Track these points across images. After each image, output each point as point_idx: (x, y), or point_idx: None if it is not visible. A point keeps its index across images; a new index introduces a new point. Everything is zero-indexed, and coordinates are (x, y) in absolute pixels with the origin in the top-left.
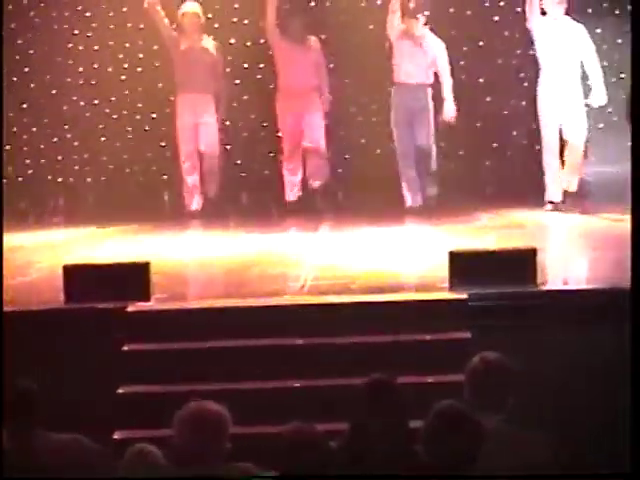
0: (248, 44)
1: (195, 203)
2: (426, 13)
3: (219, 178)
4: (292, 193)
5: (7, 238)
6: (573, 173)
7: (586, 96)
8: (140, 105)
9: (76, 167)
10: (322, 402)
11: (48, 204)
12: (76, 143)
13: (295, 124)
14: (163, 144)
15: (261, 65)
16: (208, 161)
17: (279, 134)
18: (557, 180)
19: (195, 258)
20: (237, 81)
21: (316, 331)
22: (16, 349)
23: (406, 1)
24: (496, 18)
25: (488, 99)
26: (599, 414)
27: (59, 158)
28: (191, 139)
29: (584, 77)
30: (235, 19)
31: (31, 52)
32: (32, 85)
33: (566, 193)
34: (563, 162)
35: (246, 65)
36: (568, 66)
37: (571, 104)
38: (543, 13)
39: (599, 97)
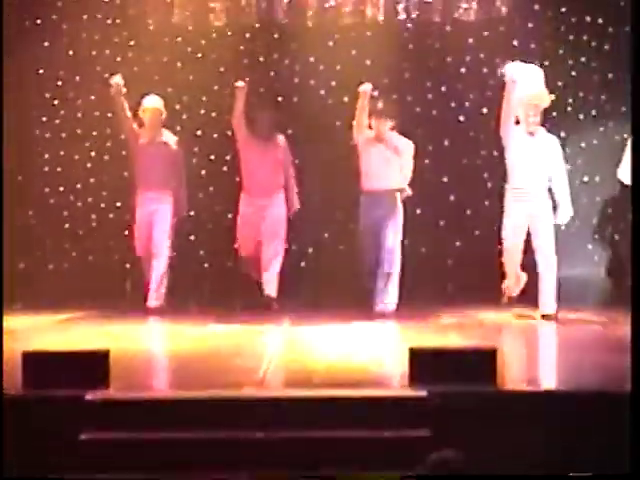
0: (215, 136)
1: (152, 299)
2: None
3: (170, 275)
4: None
5: None
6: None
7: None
8: (104, 193)
9: (38, 253)
10: None
11: (7, 290)
12: (40, 229)
13: (256, 222)
14: (126, 233)
15: (227, 157)
16: (160, 259)
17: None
18: (517, 282)
19: (156, 348)
20: (203, 172)
21: (274, 424)
22: None
23: (375, 102)
24: (462, 118)
25: (452, 198)
26: None
27: (22, 244)
28: (145, 237)
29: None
30: (203, 111)
31: None
32: None
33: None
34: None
35: (212, 157)
36: (537, 179)
37: (539, 217)
38: (517, 122)
39: (565, 215)
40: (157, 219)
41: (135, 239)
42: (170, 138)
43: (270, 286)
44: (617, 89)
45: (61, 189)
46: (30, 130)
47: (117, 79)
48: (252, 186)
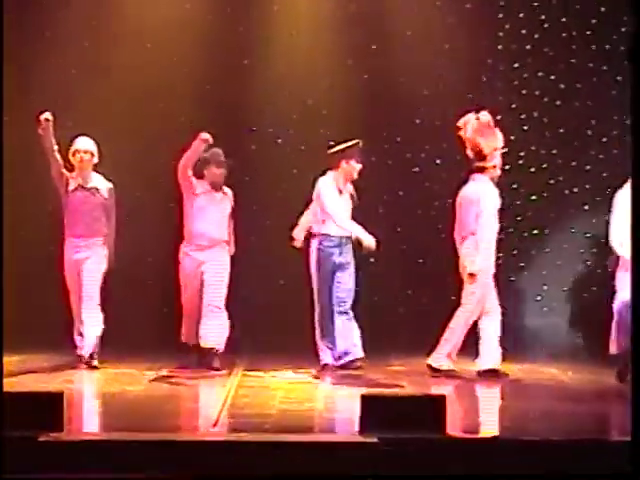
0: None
1: (85, 350)
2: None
3: (103, 321)
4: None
5: None
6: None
7: None
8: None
9: None
10: None
11: None
12: None
13: (196, 275)
14: None
15: (171, 204)
16: (91, 311)
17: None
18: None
19: (109, 392)
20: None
21: (226, 467)
22: None
23: (339, 154)
24: (416, 169)
25: (404, 247)
26: None
27: None
28: (75, 284)
29: None
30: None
31: None
32: None
33: None
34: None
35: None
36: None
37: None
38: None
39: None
40: (86, 267)
41: (68, 285)
42: (102, 184)
43: (212, 339)
44: (569, 143)
45: None
46: None
47: (47, 115)
48: (194, 236)
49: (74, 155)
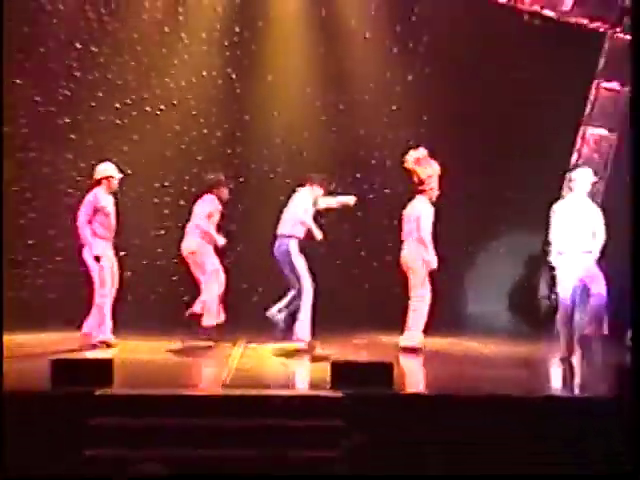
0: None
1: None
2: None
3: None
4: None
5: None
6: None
7: None
8: None
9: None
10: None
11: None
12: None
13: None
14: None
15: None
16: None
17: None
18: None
19: (147, 359)
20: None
21: (233, 413)
22: (11, 421)
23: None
24: (371, 196)
25: (360, 248)
26: None
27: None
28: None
29: None
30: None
31: None
32: None
33: None
34: None
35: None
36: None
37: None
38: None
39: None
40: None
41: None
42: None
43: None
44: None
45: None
46: None
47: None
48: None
49: (108, 178)
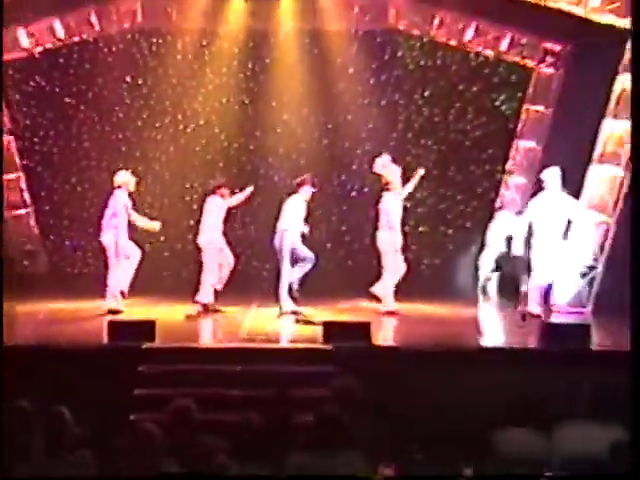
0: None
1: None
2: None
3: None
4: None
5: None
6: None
7: None
8: None
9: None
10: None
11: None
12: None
13: None
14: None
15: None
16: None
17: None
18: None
19: (175, 318)
20: None
21: (246, 361)
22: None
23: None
24: (354, 194)
25: (345, 236)
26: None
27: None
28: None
29: None
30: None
31: None
32: None
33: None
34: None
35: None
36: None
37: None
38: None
39: None
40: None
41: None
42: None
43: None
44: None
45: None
46: None
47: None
48: None
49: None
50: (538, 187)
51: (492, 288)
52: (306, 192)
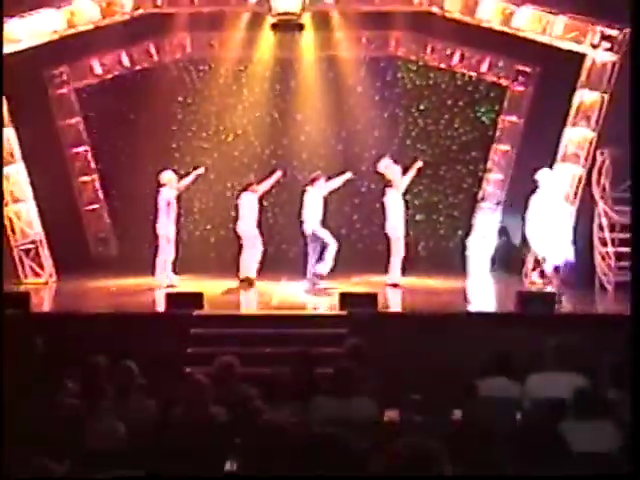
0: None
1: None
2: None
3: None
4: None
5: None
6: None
7: None
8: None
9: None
10: (276, 355)
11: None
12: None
13: None
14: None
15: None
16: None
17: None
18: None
19: (219, 291)
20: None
21: (277, 325)
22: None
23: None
24: (363, 189)
25: (356, 224)
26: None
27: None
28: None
29: None
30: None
31: None
32: None
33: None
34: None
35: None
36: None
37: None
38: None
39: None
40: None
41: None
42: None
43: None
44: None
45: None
46: None
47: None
48: None
49: (170, 181)
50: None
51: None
52: (319, 186)
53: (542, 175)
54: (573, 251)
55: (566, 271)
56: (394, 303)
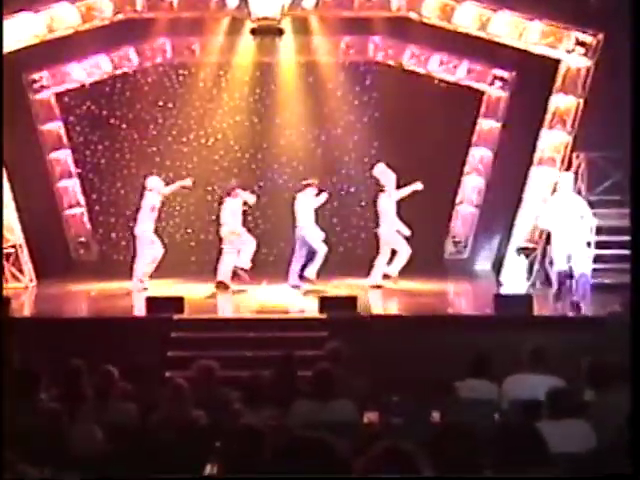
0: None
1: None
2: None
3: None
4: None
5: (127, 284)
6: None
7: None
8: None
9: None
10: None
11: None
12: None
13: None
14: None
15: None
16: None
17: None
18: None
19: (200, 295)
20: None
21: (258, 329)
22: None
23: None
24: (352, 189)
25: (334, 220)
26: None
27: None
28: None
29: None
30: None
31: None
32: None
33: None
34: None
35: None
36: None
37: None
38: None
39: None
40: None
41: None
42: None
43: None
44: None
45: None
46: None
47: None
48: None
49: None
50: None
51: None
52: (311, 192)
53: (563, 178)
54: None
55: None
56: (374, 306)
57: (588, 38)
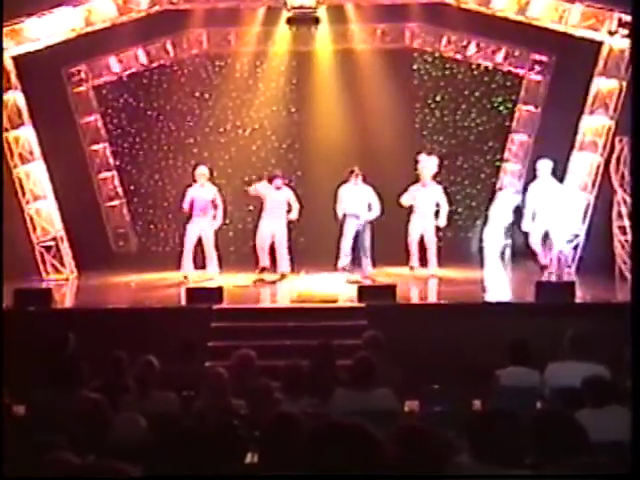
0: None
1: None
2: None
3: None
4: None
5: (166, 275)
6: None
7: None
8: None
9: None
10: (295, 348)
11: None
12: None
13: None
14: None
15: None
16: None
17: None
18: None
19: (241, 285)
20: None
21: (297, 318)
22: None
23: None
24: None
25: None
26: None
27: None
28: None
29: None
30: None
31: None
32: None
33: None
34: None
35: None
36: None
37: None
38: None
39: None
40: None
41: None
42: (211, 189)
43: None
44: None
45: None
46: None
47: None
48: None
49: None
50: (532, 174)
51: (507, 254)
52: (356, 181)
53: (542, 165)
54: (583, 238)
55: (578, 256)
56: (413, 294)
57: (631, 18)
